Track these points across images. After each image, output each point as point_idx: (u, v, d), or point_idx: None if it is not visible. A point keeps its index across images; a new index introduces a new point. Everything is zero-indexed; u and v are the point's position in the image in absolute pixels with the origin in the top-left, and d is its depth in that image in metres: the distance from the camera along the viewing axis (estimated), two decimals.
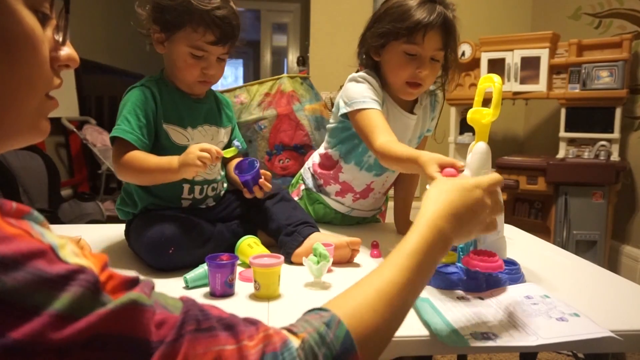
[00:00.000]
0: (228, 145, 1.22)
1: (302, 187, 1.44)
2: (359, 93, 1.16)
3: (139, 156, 1.03)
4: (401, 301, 0.53)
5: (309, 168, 1.44)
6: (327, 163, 1.37)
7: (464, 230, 0.64)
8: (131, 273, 0.41)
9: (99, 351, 0.34)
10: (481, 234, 0.72)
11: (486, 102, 0.92)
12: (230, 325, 0.42)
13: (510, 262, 0.94)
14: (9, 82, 0.44)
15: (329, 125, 1.35)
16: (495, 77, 0.92)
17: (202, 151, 0.98)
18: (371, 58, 1.22)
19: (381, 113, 1.13)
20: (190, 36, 1.05)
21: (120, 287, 0.37)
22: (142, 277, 0.40)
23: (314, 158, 1.43)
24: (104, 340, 0.34)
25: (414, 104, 1.27)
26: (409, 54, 1.13)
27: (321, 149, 1.40)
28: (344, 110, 1.19)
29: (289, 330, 0.46)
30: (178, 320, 0.39)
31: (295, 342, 0.44)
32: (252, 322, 0.44)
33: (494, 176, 0.70)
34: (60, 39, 0.49)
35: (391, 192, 1.42)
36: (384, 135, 1.07)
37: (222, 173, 1.21)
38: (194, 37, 1.05)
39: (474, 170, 0.92)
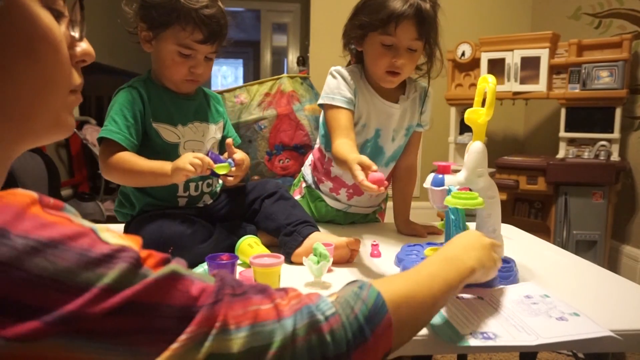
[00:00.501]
0: (222, 141, 1.22)
1: (304, 184, 1.44)
2: (330, 88, 1.23)
3: (129, 158, 1.04)
4: (430, 290, 0.58)
5: (309, 165, 1.44)
6: (320, 157, 1.38)
7: (483, 264, 0.72)
8: None
9: (145, 317, 0.37)
10: (495, 270, 0.79)
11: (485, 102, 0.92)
12: (263, 289, 0.45)
13: (505, 260, 0.94)
14: (33, 81, 0.46)
15: (320, 116, 1.37)
16: (490, 78, 0.93)
17: (194, 158, 1.00)
18: (355, 49, 1.27)
19: (347, 112, 1.20)
20: (178, 35, 1.05)
21: (159, 263, 0.40)
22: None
23: (312, 154, 1.44)
24: (149, 307, 0.37)
25: (399, 95, 1.29)
26: (385, 44, 1.16)
27: (316, 144, 1.42)
28: (320, 100, 1.25)
29: (322, 295, 0.49)
30: (215, 287, 0.42)
31: (330, 297, 0.47)
32: (283, 289, 0.47)
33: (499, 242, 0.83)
34: (77, 35, 0.50)
35: (390, 192, 1.42)
36: (340, 138, 1.14)
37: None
38: (182, 35, 1.05)
39: (470, 169, 0.93)
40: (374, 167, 0.90)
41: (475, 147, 0.94)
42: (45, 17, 0.45)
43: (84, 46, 0.51)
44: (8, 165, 0.48)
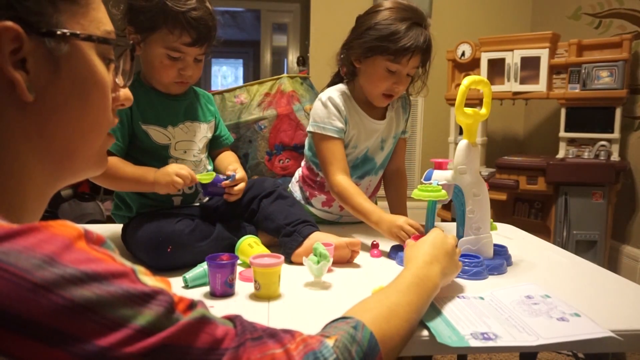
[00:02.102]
0: (214, 140, 1.24)
1: None
2: (320, 117, 1.27)
3: (115, 163, 1.05)
4: (407, 319, 0.64)
5: (296, 182, 1.46)
6: (309, 174, 1.41)
7: (445, 273, 0.79)
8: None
9: (175, 359, 0.38)
10: (456, 274, 0.86)
11: (474, 104, 0.93)
12: (273, 333, 0.47)
13: (474, 256, 0.98)
14: (83, 124, 0.50)
15: (307, 139, 1.40)
16: (465, 80, 0.99)
17: (178, 176, 1.02)
18: (351, 63, 1.27)
19: (339, 142, 1.25)
20: (166, 38, 1.04)
21: (188, 307, 0.42)
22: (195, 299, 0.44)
23: (299, 171, 1.46)
24: (180, 350, 0.39)
25: (385, 109, 1.35)
26: (390, 70, 1.21)
27: (303, 162, 1.45)
28: (309, 128, 1.30)
29: (322, 335, 0.52)
30: (237, 331, 0.44)
31: (330, 342, 0.49)
32: (288, 331, 0.49)
33: (452, 236, 0.88)
34: (121, 82, 0.55)
35: (382, 193, 1.44)
36: (339, 172, 1.23)
37: (210, 167, 1.22)
38: (170, 38, 1.04)
39: (454, 166, 1.01)
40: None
41: (459, 145, 1.01)
42: (100, 65, 0.50)
43: (126, 91, 0.56)
44: (47, 201, 0.51)
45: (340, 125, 1.25)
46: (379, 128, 1.32)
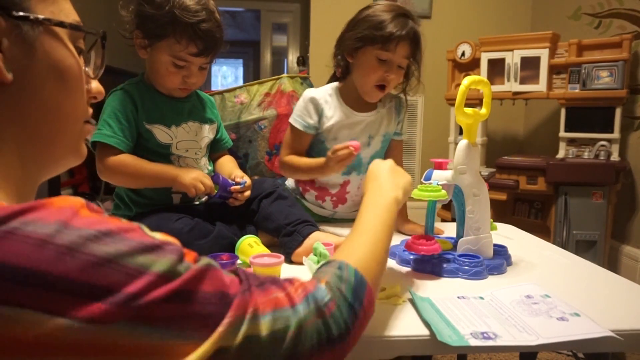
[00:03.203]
0: (214, 143, 1.26)
1: None
2: (296, 112, 1.34)
3: (131, 161, 1.06)
4: (384, 248, 0.69)
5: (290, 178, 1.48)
6: None
7: (394, 185, 0.82)
8: None
9: (194, 303, 0.42)
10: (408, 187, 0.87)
11: (475, 104, 0.93)
12: (275, 280, 0.52)
13: (474, 256, 0.97)
14: (61, 109, 0.51)
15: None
16: (465, 80, 0.99)
17: (202, 183, 1.08)
18: (345, 60, 1.32)
19: (305, 135, 1.33)
20: (173, 46, 1.05)
21: (195, 258, 0.45)
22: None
23: None
24: (196, 294, 0.42)
25: (373, 106, 1.37)
26: (380, 59, 1.24)
27: None
28: (290, 119, 1.37)
29: (315, 279, 0.56)
30: (241, 279, 0.48)
31: (322, 285, 0.54)
32: (287, 279, 0.54)
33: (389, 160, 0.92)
34: (91, 73, 0.56)
35: None
36: (292, 155, 1.33)
37: (210, 168, 1.24)
38: (177, 48, 1.05)
39: (454, 165, 1.01)
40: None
41: (459, 145, 1.02)
42: (73, 51, 0.52)
43: (97, 84, 0.58)
44: (33, 192, 0.53)
45: (310, 121, 1.32)
46: (362, 120, 1.35)
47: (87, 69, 0.56)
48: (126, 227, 0.42)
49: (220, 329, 0.42)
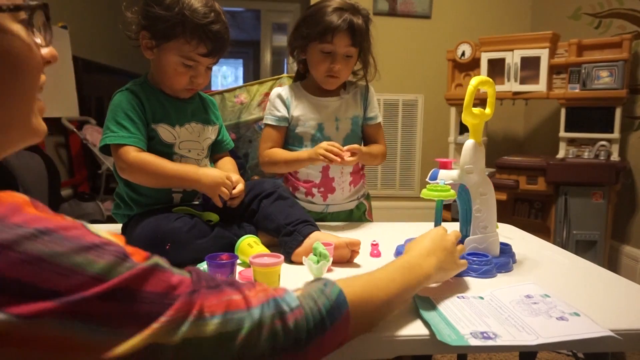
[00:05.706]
0: (216, 144, 1.27)
1: None
2: (267, 110, 1.46)
3: (153, 160, 1.07)
4: (385, 291, 0.66)
5: (282, 177, 1.50)
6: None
7: (442, 267, 0.81)
8: None
9: (132, 302, 0.41)
10: (456, 271, 0.87)
11: (474, 104, 0.94)
12: (232, 282, 0.51)
13: (483, 255, 0.98)
14: (16, 92, 0.50)
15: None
16: (473, 80, 0.99)
17: (226, 186, 1.09)
18: (300, 57, 1.45)
19: (277, 129, 1.42)
20: (182, 47, 1.07)
21: (143, 258, 0.45)
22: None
23: None
24: (135, 293, 0.42)
25: (336, 92, 1.46)
26: (324, 52, 1.34)
27: None
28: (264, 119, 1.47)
29: (292, 289, 0.55)
30: (192, 279, 0.47)
31: (295, 293, 0.52)
32: (250, 282, 0.53)
33: (455, 232, 0.90)
34: (41, 41, 0.54)
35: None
36: (271, 149, 1.42)
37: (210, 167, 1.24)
38: (186, 48, 1.07)
39: (460, 165, 1.01)
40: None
41: (466, 145, 1.02)
42: (20, 30, 0.49)
43: (50, 49, 0.55)
44: None
45: (279, 113, 1.42)
46: (327, 104, 1.43)
47: (37, 39, 0.53)
48: (67, 225, 0.42)
49: (155, 325, 0.42)
